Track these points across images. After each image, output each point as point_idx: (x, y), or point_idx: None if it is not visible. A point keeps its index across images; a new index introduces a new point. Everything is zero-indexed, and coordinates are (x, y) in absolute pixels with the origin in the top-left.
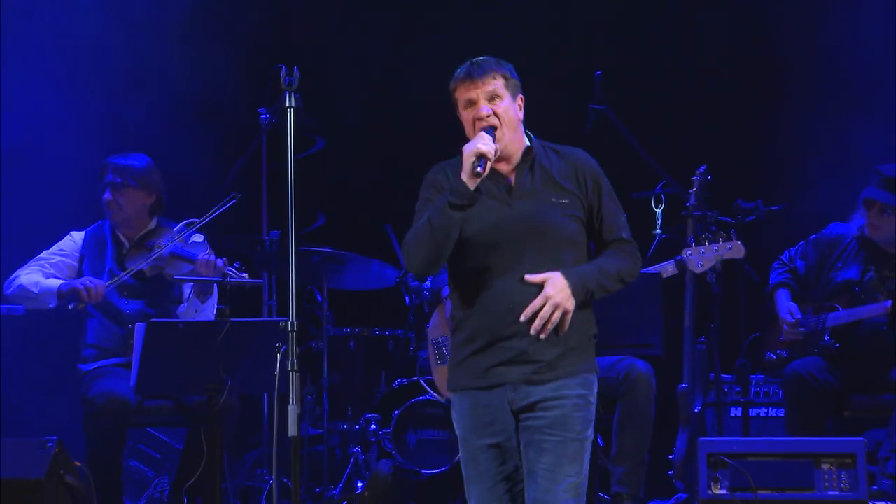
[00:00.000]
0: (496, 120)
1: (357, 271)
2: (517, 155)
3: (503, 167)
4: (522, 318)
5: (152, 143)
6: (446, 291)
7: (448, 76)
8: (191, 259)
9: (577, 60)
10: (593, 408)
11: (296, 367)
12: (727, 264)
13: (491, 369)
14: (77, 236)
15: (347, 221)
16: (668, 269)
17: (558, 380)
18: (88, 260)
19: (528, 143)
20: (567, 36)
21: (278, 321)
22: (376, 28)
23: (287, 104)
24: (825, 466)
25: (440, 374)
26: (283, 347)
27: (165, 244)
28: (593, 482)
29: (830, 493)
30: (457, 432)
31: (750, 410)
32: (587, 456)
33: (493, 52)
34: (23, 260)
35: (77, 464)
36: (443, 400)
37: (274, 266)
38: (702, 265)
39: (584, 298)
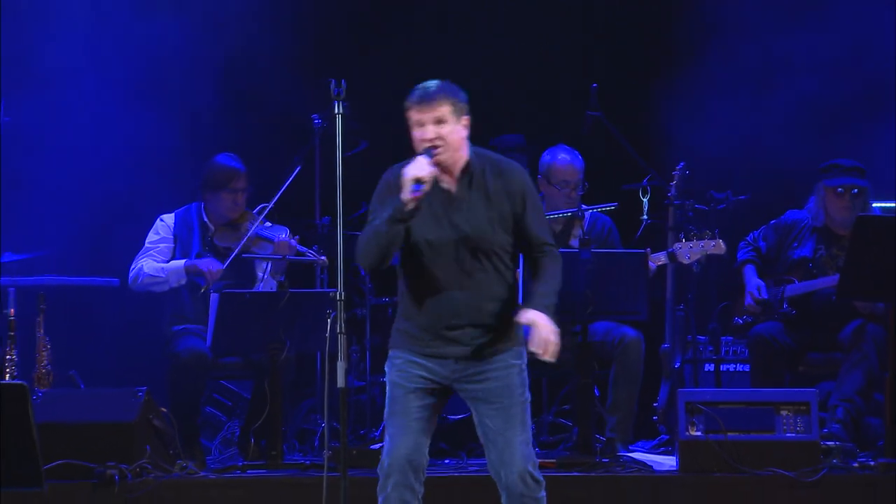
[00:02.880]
0: (440, 142)
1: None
2: (457, 170)
3: (446, 180)
4: (547, 357)
5: (225, 142)
6: None
7: (463, 85)
8: (271, 240)
9: (576, 71)
10: (526, 373)
11: (343, 330)
12: None
13: (432, 345)
14: (168, 219)
15: None
16: (660, 258)
17: (495, 355)
18: (179, 241)
19: (467, 158)
20: (566, 48)
21: (329, 292)
22: (409, 49)
23: (336, 111)
24: (784, 413)
25: None
26: (333, 314)
27: (250, 227)
28: (591, 428)
29: (788, 434)
30: (387, 377)
31: (721, 366)
32: (529, 412)
33: (507, 62)
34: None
35: (163, 409)
36: None
37: (325, 246)
38: (689, 258)
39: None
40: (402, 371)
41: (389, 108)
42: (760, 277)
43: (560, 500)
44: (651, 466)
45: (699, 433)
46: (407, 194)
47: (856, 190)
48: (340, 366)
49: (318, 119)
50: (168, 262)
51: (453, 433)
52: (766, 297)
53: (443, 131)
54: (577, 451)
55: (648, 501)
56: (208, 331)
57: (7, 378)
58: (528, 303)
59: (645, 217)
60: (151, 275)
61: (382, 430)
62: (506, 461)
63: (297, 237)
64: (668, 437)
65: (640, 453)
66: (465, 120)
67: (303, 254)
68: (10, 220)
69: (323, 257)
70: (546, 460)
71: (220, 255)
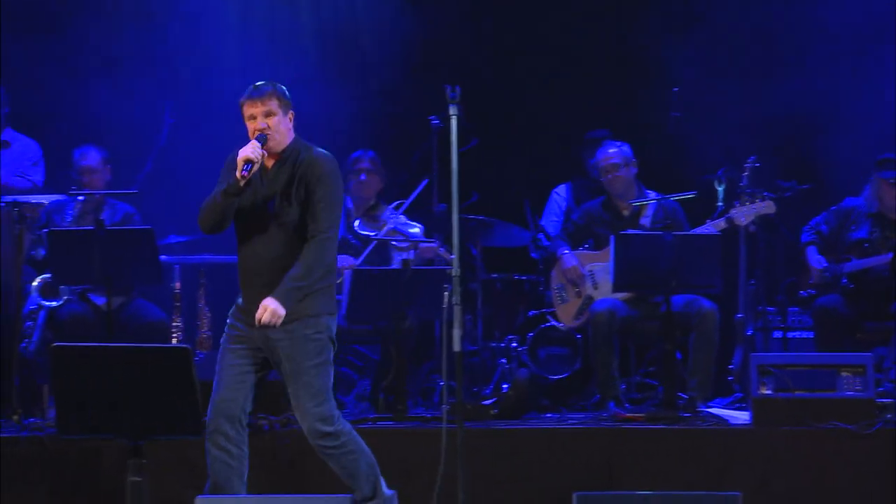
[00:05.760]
0: (269, 131)
1: (501, 233)
2: (279, 155)
3: (269, 161)
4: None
5: (362, 140)
6: (560, 251)
7: (555, 89)
8: (405, 234)
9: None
10: None
11: (458, 302)
12: (771, 229)
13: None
14: None
15: (494, 197)
16: (720, 224)
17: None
18: None
19: (286, 147)
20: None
21: (446, 269)
22: (512, 55)
23: (451, 113)
24: (844, 374)
25: (561, 310)
26: (450, 287)
27: (388, 219)
28: (674, 387)
29: (848, 393)
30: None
31: (788, 333)
32: None
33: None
34: None
35: None
36: (562, 327)
37: (442, 230)
38: (744, 219)
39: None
40: None
41: (497, 110)
42: (823, 256)
43: (647, 449)
44: (727, 420)
45: (769, 391)
46: (238, 172)
47: None
48: (456, 332)
49: (435, 119)
50: None
51: (554, 390)
52: (827, 273)
53: (272, 122)
54: (663, 407)
55: (725, 451)
56: (342, 302)
57: (174, 342)
58: None
59: (720, 203)
60: None
61: (492, 390)
62: None
63: (438, 243)
64: (742, 395)
65: (718, 409)
66: (291, 115)
67: (442, 256)
68: (175, 208)
69: (453, 256)
70: (636, 414)
71: (360, 240)
